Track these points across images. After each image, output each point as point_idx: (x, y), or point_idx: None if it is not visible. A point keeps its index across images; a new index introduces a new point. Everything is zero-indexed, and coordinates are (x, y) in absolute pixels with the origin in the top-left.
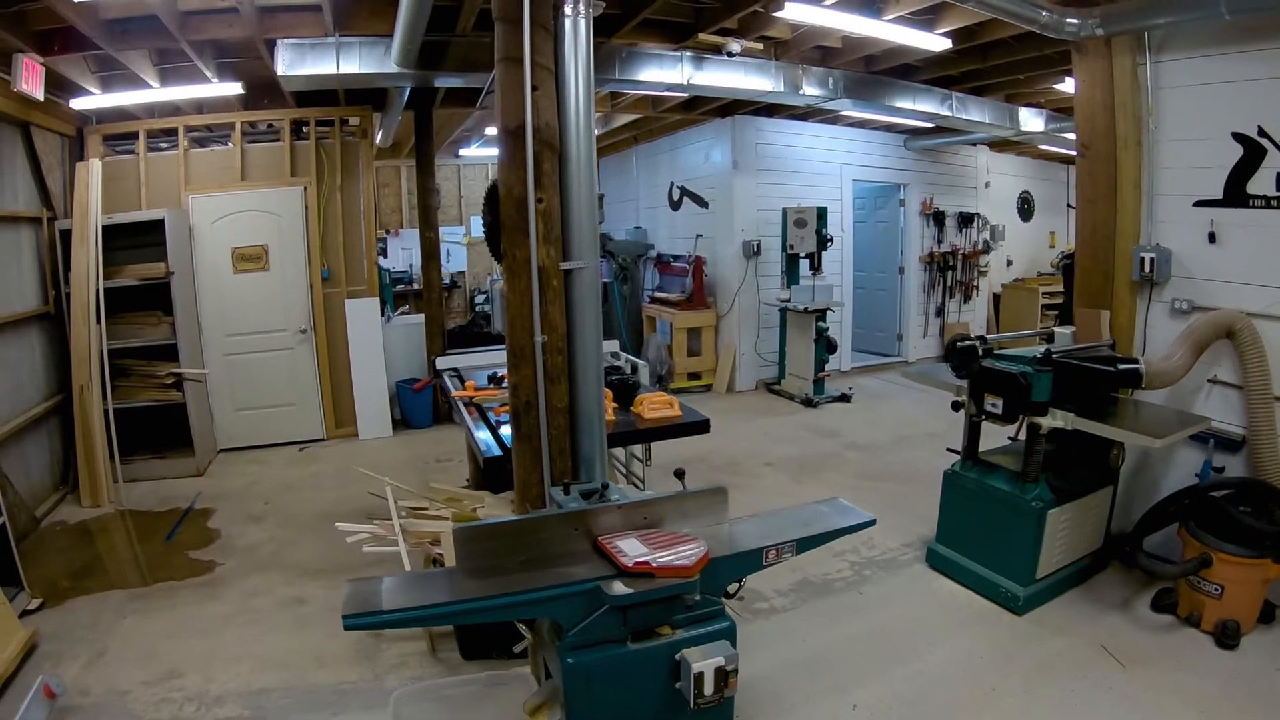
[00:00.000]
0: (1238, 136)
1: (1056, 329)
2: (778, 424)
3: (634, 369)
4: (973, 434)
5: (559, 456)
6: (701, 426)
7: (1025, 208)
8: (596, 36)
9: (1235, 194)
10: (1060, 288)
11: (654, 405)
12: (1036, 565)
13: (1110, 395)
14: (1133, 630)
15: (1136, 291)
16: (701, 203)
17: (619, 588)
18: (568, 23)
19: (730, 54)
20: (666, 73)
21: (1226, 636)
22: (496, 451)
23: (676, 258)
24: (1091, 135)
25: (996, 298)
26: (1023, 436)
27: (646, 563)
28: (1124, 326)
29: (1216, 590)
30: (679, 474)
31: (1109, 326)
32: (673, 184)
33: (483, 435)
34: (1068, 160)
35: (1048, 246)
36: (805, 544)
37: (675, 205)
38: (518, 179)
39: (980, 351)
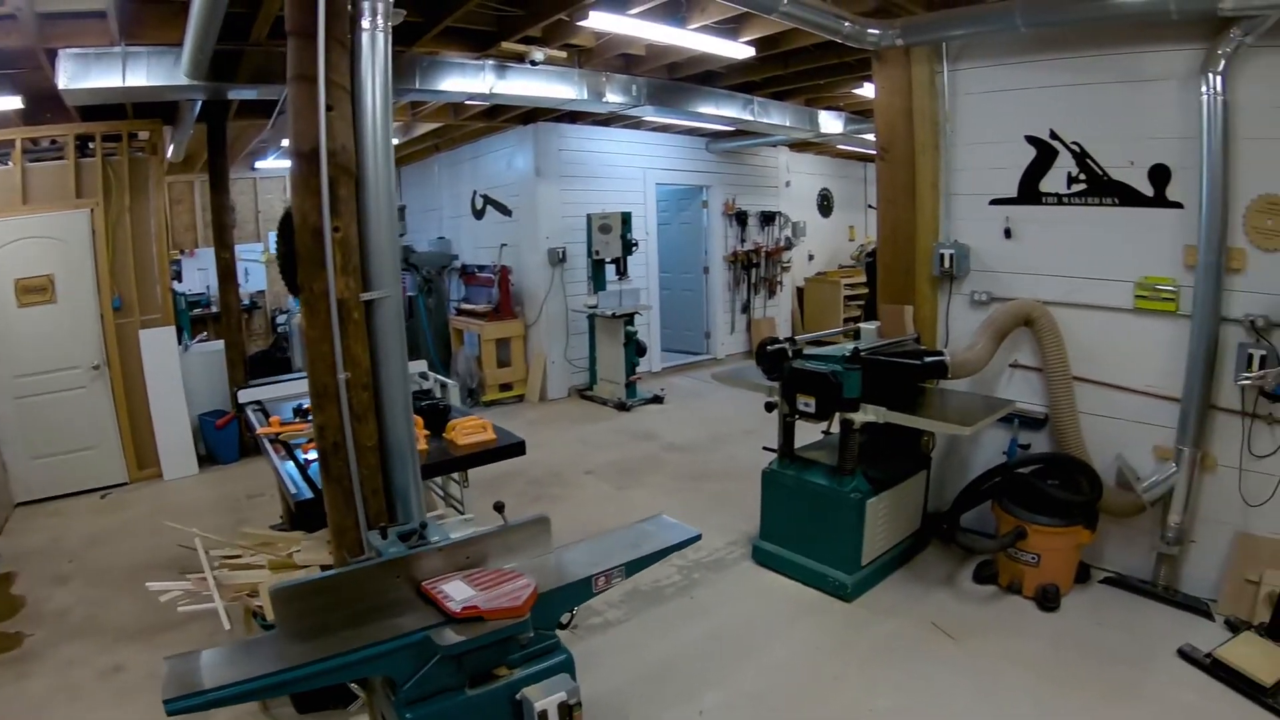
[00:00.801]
0: (1031, 139)
1: (862, 325)
2: (594, 430)
3: (444, 390)
4: (787, 433)
5: (373, 497)
6: (517, 449)
7: (825, 205)
8: (397, 45)
9: (1029, 192)
10: (861, 279)
11: (467, 431)
12: (861, 553)
13: (919, 386)
14: (959, 604)
15: (937, 286)
16: (505, 211)
17: (449, 636)
18: (365, 37)
19: (534, 63)
20: (469, 82)
21: (1047, 600)
22: (308, 494)
23: (482, 268)
24: (891, 139)
25: (800, 291)
26: (836, 430)
27: (475, 606)
28: (927, 319)
29: (1034, 559)
30: (498, 507)
31: (913, 320)
32: (476, 192)
33: (292, 475)
34: (865, 159)
35: (847, 240)
36: (634, 567)
37: (479, 214)
38: (312, 206)
39: (790, 353)
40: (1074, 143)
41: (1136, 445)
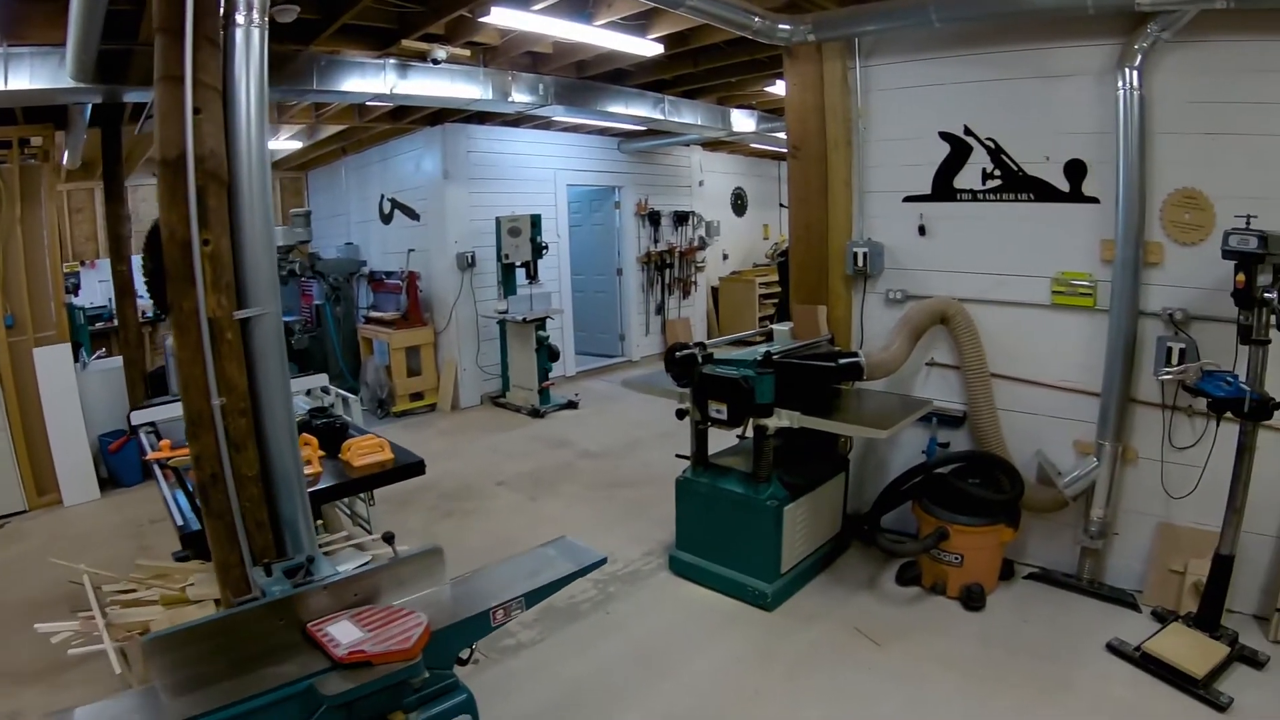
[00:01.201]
0: (945, 135)
1: (775, 326)
2: (507, 439)
3: (346, 404)
4: (700, 440)
5: (257, 531)
6: (415, 469)
7: (739, 203)
8: (294, 44)
9: (943, 189)
10: (776, 277)
11: (363, 451)
12: (780, 561)
13: (834, 388)
14: (883, 607)
15: (851, 285)
16: (413, 215)
17: (335, 684)
18: (239, 34)
19: (436, 61)
20: (369, 82)
21: (972, 600)
22: (196, 525)
23: (390, 274)
24: (803, 137)
25: (715, 291)
26: (751, 435)
27: (361, 650)
28: (841, 319)
29: (957, 559)
30: (387, 538)
31: (826, 321)
32: (384, 196)
33: (181, 505)
34: (779, 157)
35: (762, 239)
36: (535, 597)
37: (387, 218)
38: (180, 218)
39: (700, 358)
40: (989, 139)
41: (1056, 441)
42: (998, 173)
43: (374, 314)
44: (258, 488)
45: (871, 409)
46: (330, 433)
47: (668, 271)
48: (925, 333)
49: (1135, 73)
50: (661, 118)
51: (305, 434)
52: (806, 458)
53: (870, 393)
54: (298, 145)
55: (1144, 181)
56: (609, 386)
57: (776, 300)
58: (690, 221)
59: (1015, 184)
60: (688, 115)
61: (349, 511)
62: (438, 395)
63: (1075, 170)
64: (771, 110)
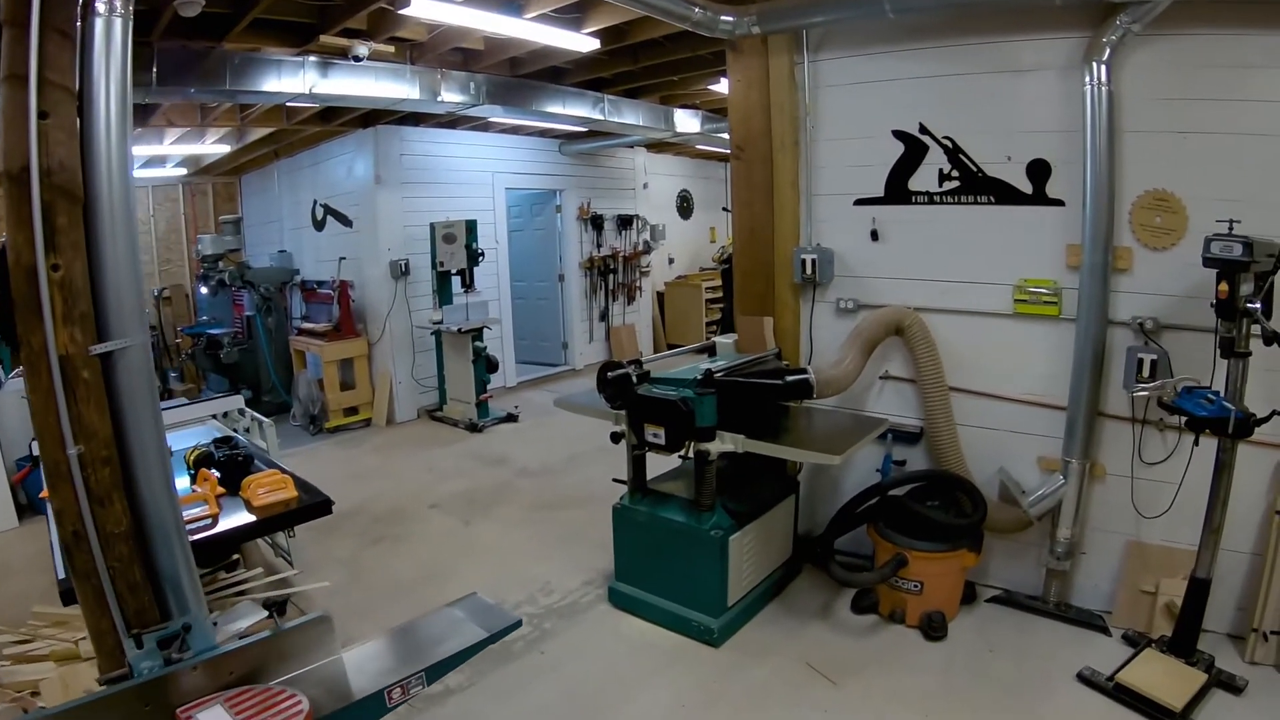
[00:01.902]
0: (899, 134)
1: (718, 339)
2: (443, 455)
3: (261, 428)
4: (637, 466)
5: (131, 594)
6: (321, 509)
7: (685, 206)
8: (205, 40)
9: (897, 191)
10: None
11: (264, 488)
12: (726, 594)
13: (782, 406)
14: (838, 639)
15: (799, 294)
16: (346, 221)
17: None
18: (99, 25)
19: (358, 58)
20: (288, 81)
21: (933, 629)
22: None
23: (321, 283)
24: (747, 136)
25: (661, 297)
26: (693, 455)
27: None
28: (788, 331)
29: (916, 586)
30: (270, 606)
31: (773, 333)
32: (316, 201)
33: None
34: (725, 158)
35: (709, 242)
36: (437, 671)
37: (319, 225)
38: (25, 240)
39: (635, 378)
40: (946, 137)
41: (1019, 457)
42: (955, 174)
43: (306, 325)
44: (128, 545)
45: (822, 429)
46: (234, 467)
47: (612, 277)
48: (879, 345)
49: (1104, 67)
50: (601, 118)
51: (205, 469)
52: (753, 479)
53: (820, 411)
54: (226, 149)
55: (1112, 183)
56: (550, 397)
57: (724, 305)
58: (635, 225)
59: (974, 185)
60: (629, 115)
61: (270, 541)
62: (372, 410)
63: (1039, 171)
64: (716, 110)
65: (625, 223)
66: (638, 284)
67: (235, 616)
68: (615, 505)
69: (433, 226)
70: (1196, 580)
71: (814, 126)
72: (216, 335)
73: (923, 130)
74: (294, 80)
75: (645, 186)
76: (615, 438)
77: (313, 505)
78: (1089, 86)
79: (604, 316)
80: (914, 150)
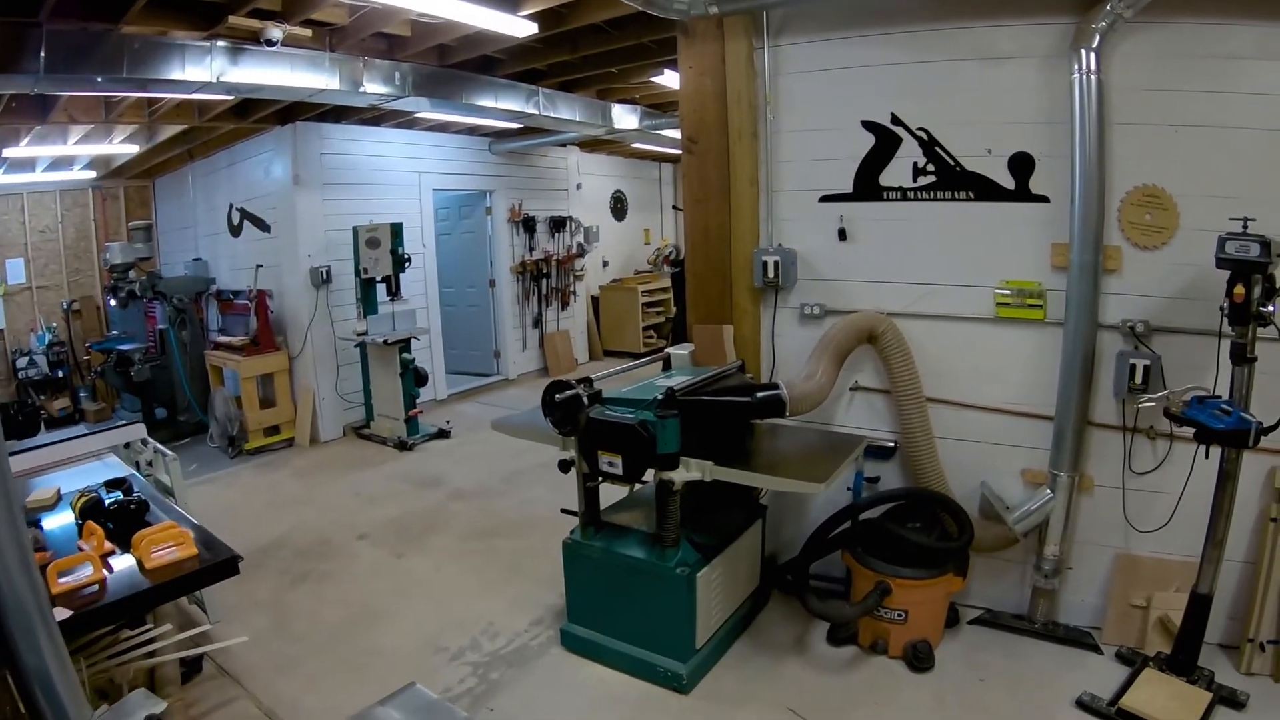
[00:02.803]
0: (869, 125)
1: (672, 350)
2: (370, 478)
3: (165, 463)
4: (590, 498)
5: None
6: (225, 569)
7: (619, 207)
8: (101, 23)
9: (867, 186)
10: (661, 284)
11: (158, 546)
12: (695, 635)
13: (747, 426)
14: (818, 677)
15: (761, 299)
16: (263, 226)
17: None
18: None
19: (270, 42)
20: (194, 69)
21: (919, 660)
22: None
23: (238, 293)
24: (700, 128)
25: (596, 301)
26: (651, 480)
27: None
28: (749, 339)
29: (900, 616)
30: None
31: (733, 343)
32: (232, 205)
33: None
34: (661, 158)
35: (643, 244)
36: None
37: (236, 230)
38: None
39: (586, 399)
40: (920, 129)
41: (1002, 470)
42: (931, 168)
43: (222, 339)
44: None
45: (793, 450)
46: (124, 517)
47: (545, 281)
48: (850, 354)
49: (1093, 55)
50: (536, 112)
51: (92, 521)
52: (717, 505)
53: (786, 428)
54: (135, 149)
55: (1103, 178)
56: (484, 409)
57: (661, 309)
58: (568, 227)
59: (952, 180)
60: (564, 110)
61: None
62: (295, 429)
63: (1021, 165)
64: (657, 105)
65: (558, 225)
66: (572, 288)
67: (125, 712)
68: (566, 540)
69: (355, 230)
70: (1198, 596)
71: (775, 117)
72: (127, 351)
73: (895, 121)
74: (200, 68)
75: (579, 187)
76: (564, 466)
77: (215, 565)
78: (1077, 75)
79: (537, 323)
80: (886, 142)
